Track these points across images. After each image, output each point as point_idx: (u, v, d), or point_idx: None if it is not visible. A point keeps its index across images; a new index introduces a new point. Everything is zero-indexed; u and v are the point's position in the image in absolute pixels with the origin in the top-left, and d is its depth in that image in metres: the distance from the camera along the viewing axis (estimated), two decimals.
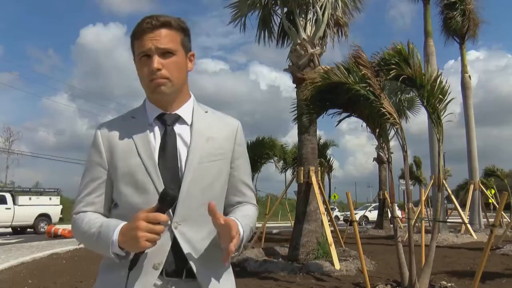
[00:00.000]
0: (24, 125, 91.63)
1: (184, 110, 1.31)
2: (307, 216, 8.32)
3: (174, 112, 1.30)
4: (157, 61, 1.20)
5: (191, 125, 1.30)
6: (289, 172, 18.41)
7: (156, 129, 1.27)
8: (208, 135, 1.30)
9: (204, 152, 1.27)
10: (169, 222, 1.20)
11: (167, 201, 1.12)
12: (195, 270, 1.22)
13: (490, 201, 18.80)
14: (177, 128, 1.29)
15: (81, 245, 11.64)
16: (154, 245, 1.12)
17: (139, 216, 1.11)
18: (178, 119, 1.30)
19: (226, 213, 1.36)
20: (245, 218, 1.29)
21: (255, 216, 1.38)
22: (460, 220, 14.39)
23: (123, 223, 1.16)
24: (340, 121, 6.13)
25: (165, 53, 1.22)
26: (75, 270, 7.78)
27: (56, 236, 16.38)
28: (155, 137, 1.26)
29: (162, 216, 1.11)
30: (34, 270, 7.83)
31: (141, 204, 1.19)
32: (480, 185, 16.26)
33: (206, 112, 1.36)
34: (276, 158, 17.56)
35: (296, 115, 8.04)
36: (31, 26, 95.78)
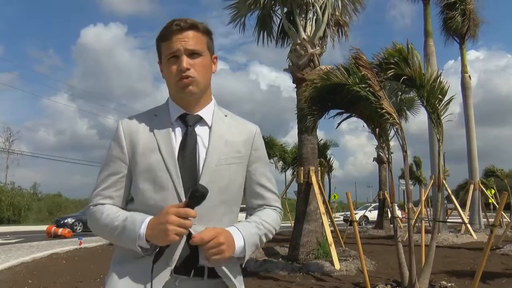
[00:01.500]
0: (24, 125, 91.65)
1: (206, 112, 1.35)
2: (307, 216, 8.32)
3: (196, 113, 1.33)
4: (186, 61, 1.25)
5: (210, 127, 1.33)
6: (289, 172, 18.48)
7: (178, 128, 1.31)
8: (226, 138, 1.33)
9: (222, 154, 1.30)
10: None
11: (197, 198, 1.16)
12: (216, 269, 1.28)
13: (490, 201, 18.80)
14: (198, 129, 1.32)
15: (82, 246, 11.64)
16: (181, 239, 1.18)
17: (169, 211, 1.16)
18: (199, 120, 1.33)
19: (247, 216, 1.42)
20: (251, 225, 1.33)
21: (274, 220, 1.40)
22: (460, 220, 14.39)
23: (149, 217, 1.20)
24: (341, 122, 6.15)
25: (193, 54, 1.27)
26: (75, 270, 7.78)
27: (56, 236, 16.40)
28: (176, 136, 1.30)
29: (192, 212, 1.16)
30: (34, 270, 7.83)
31: (158, 201, 1.23)
32: (480, 185, 16.26)
33: (226, 115, 1.40)
34: (276, 158, 17.60)
35: (301, 117, 8.02)
36: (31, 26, 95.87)
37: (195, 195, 1.16)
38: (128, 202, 1.34)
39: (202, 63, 1.28)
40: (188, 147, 1.28)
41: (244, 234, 1.27)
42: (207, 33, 1.33)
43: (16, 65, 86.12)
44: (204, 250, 1.19)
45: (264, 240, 1.35)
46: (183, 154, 1.27)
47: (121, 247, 1.28)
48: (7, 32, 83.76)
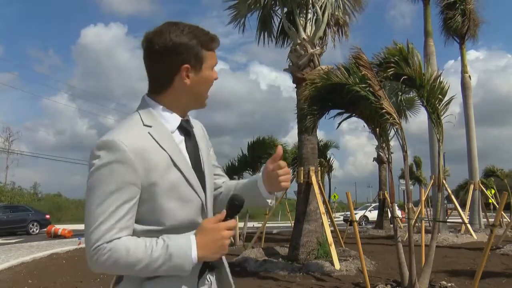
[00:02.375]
0: (24, 125, 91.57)
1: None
2: (307, 216, 8.33)
3: (186, 118, 1.33)
4: None
5: (193, 129, 1.36)
6: None
7: (176, 136, 1.27)
8: (200, 135, 1.38)
9: (205, 151, 1.36)
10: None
11: (237, 207, 1.20)
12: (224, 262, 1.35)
13: (490, 201, 18.80)
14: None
15: (81, 245, 11.60)
16: None
17: (220, 226, 1.16)
18: (189, 122, 1.34)
19: (215, 195, 1.46)
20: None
21: None
22: (460, 220, 14.39)
23: (192, 238, 1.15)
24: (341, 122, 6.15)
25: None
26: (75, 270, 7.78)
27: (56, 236, 16.40)
28: (179, 145, 1.27)
29: (235, 222, 1.21)
30: (34, 270, 7.83)
31: (187, 215, 1.22)
32: (480, 185, 16.25)
33: None
34: None
35: (301, 117, 8.01)
36: (31, 26, 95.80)
37: (235, 203, 1.19)
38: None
39: None
40: (194, 153, 1.30)
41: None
42: None
43: (16, 65, 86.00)
44: (281, 175, 1.32)
45: None
46: (194, 162, 1.28)
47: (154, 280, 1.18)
48: (7, 32, 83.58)
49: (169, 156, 1.19)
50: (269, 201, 1.39)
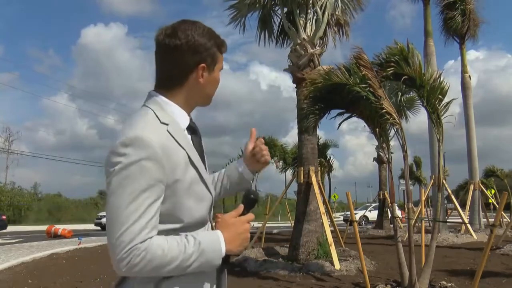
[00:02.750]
0: (24, 125, 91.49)
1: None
2: (307, 216, 8.33)
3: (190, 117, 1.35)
4: None
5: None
6: (289, 172, 18.48)
7: (187, 134, 1.29)
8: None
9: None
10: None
11: (253, 200, 1.26)
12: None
13: (490, 201, 18.81)
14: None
15: (81, 245, 11.62)
16: None
17: (242, 220, 1.22)
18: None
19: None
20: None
21: None
22: (460, 220, 14.40)
23: (218, 233, 1.19)
24: (342, 122, 6.14)
25: None
26: (75, 270, 7.79)
27: (56, 236, 16.40)
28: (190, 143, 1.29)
29: (253, 215, 1.24)
30: (34, 270, 7.83)
31: (202, 213, 1.23)
32: (480, 185, 16.26)
33: None
34: (276, 158, 17.61)
35: (301, 117, 8.00)
36: (31, 26, 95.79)
37: (250, 197, 1.25)
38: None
39: None
40: (200, 151, 1.30)
41: None
42: None
43: (16, 65, 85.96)
44: (262, 151, 1.44)
45: None
46: (201, 159, 1.28)
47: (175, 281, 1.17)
48: (7, 32, 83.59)
49: (187, 154, 1.19)
50: (250, 180, 1.50)
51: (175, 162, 1.14)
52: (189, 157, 1.19)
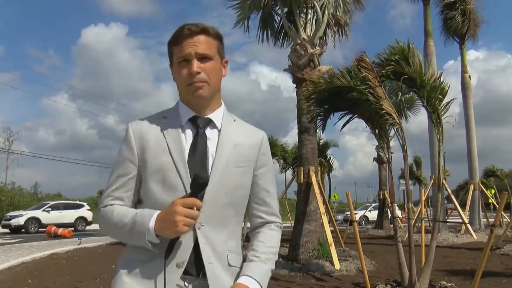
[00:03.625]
0: (24, 125, 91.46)
1: (215, 115, 1.37)
2: (307, 216, 8.32)
3: (206, 116, 1.35)
4: (196, 65, 1.27)
5: (219, 130, 1.35)
6: (289, 172, 18.43)
7: (188, 131, 1.33)
8: (235, 141, 1.35)
9: (230, 157, 1.32)
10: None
11: (200, 184, 1.19)
12: (207, 270, 1.26)
13: (490, 201, 18.82)
14: (207, 131, 1.34)
15: (81, 245, 11.64)
16: (190, 230, 1.21)
17: (176, 202, 1.18)
18: (210, 123, 1.35)
19: (251, 229, 1.45)
20: (261, 262, 1.34)
21: (277, 241, 1.42)
22: (460, 220, 14.40)
23: (157, 212, 1.21)
24: (345, 123, 6.08)
25: (203, 58, 1.29)
26: (75, 270, 7.78)
27: (56, 236, 16.39)
28: (186, 138, 1.31)
29: (198, 201, 1.19)
30: (34, 270, 7.83)
31: (169, 201, 1.23)
32: (480, 185, 16.27)
33: (234, 120, 1.42)
34: (276, 158, 17.59)
35: (301, 117, 7.98)
36: (31, 26, 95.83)
37: (198, 181, 1.18)
38: (136, 204, 1.35)
39: (212, 67, 1.30)
40: (198, 148, 1.30)
41: (259, 279, 1.29)
42: (218, 37, 1.34)
43: (16, 65, 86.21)
44: None
45: (273, 267, 1.38)
46: (193, 155, 1.29)
47: (131, 249, 1.30)
48: (7, 32, 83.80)
49: (167, 143, 1.29)
50: None
51: (148, 145, 1.29)
52: (168, 146, 1.28)
